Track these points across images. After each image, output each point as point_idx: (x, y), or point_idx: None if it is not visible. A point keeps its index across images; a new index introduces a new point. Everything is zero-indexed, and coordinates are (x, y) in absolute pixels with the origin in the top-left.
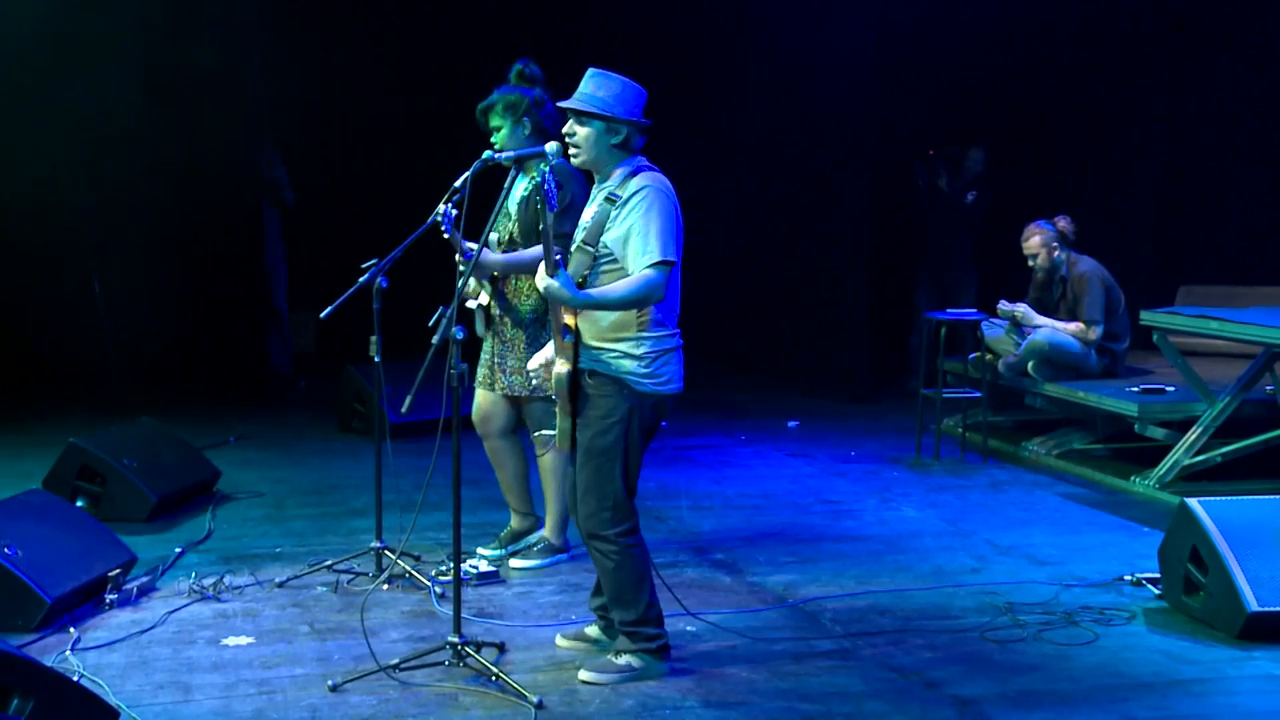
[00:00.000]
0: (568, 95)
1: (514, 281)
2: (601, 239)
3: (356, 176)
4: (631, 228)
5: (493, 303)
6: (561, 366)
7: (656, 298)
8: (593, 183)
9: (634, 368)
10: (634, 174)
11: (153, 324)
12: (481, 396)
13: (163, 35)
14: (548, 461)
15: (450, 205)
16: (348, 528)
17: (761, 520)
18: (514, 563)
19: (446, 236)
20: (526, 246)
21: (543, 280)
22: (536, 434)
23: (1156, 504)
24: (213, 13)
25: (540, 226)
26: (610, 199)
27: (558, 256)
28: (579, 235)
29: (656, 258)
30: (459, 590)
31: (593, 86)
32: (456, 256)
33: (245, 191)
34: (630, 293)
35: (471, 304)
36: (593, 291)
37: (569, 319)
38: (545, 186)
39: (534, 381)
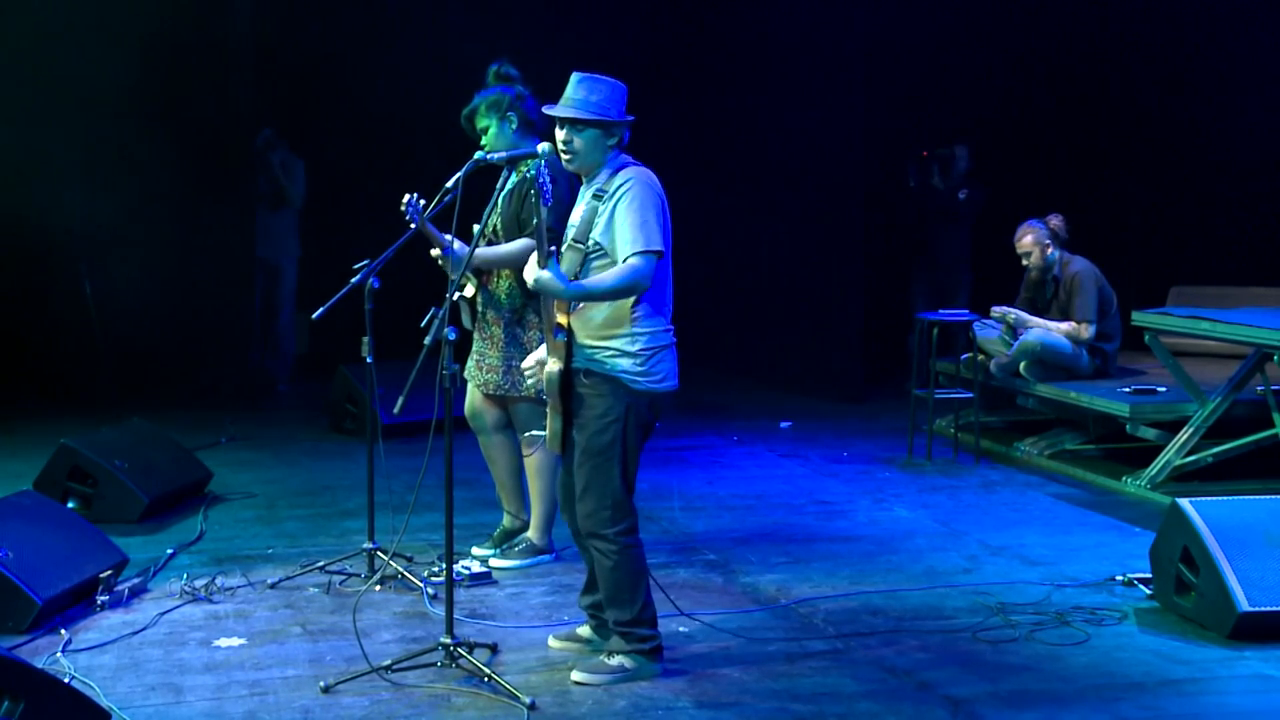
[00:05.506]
0: (547, 90)
1: (496, 278)
2: (590, 235)
3: (350, 177)
4: (616, 219)
5: (478, 296)
6: (554, 365)
7: (643, 286)
8: (580, 181)
9: (629, 366)
10: (619, 169)
11: (144, 325)
12: (472, 392)
13: (157, 34)
14: (534, 462)
15: (417, 195)
16: (340, 529)
17: (754, 521)
18: (494, 562)
19: (414, 226)
20: (508, 239)
21: (533, 272)
22: (526, 435)
23: (1148, 504)
24: (207, 14)
25: (534, 220)
26: (597, 195)
27: (551, 250)
28: (569, 233)
29: (641, 247)
30: (451, 591)
31: (584, 92)
32: (433, 251)
33: (239, 192)
34: (618, 282)
35: (457, 295)
36: (583, 282)
37: (561, 317)
38: (540, 181)
39: (529, 382)
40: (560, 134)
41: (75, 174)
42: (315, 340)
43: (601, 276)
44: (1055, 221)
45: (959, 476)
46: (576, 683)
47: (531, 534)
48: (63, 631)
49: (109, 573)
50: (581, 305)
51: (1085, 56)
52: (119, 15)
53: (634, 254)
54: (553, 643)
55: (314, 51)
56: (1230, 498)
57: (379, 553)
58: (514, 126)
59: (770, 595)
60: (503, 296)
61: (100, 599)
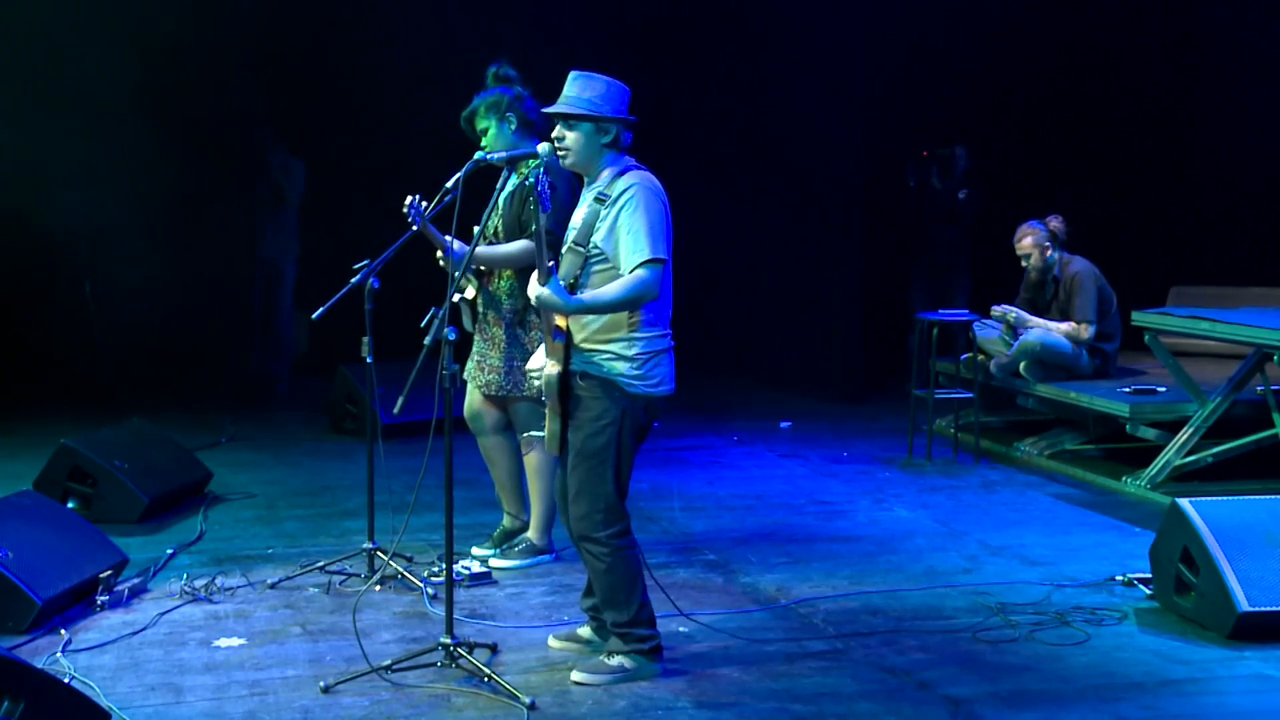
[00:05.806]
0: (546, 91)
1: (496, 279)
2: (591, 239)
3: (350, 177)
4: (621, 227)
5: (479, 298)
6: (552, 368)
7: (650, 296)
8: (583, 183)
9: (625, 369)
10: (622, 173)
11: (144, 325)
12: (472, 393)
13: (157, 34)
14: (534, 462)
15: (419, 196)
16: (340, 529)
17: (754, 521)
18: (494, 561)
19: (416, 228)
20: (509, 241)
21: (535, 289)
22: (524, 435)
23: (1148, 504)
24: (207, 14)
25: (533, 226)
26: (599, 199)
27: (550, 264)
28: (570, 236)
29: (647, 256)
30: (451, 591)
31: (577, 89)
32: (438, 253)
33: (239, 192)
34: (623, 294)
35: (458, 298)
36: (585, 297)
37: (560, 320)
38: (539, 187)
39: (531, 383)
40: (555, 130)
41: (76, 174)
42: (315, 340)
43: (606, 289)
44: (1055, 223)
45: (959, 476)
46: (576, 683)
47: (531, 534)
48: (63, 631)
49: (109, 573)
50: None
51: (1085, 57)
52: (120, 16)
53: (640, 264)
54: (553, 643)
55: (314, 51)
56: (1230, 498)
57: (379, 553)
58: (513, 127)
59: (770, 595)
60: (503, 298)
61: (100, 599)
